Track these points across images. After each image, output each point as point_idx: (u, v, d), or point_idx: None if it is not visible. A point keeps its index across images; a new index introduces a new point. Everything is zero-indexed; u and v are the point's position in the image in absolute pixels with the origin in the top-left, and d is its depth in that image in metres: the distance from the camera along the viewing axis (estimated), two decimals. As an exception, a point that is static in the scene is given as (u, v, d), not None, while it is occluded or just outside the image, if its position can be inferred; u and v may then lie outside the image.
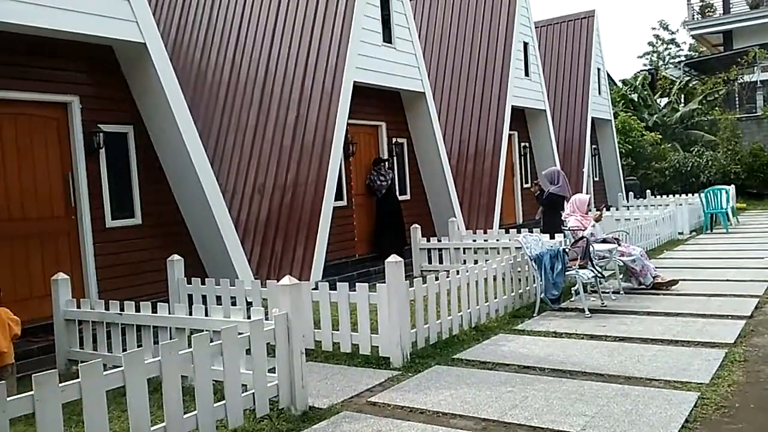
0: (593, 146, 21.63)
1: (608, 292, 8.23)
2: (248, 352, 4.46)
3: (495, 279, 7.38)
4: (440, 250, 10.83)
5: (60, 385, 3.39)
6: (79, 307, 5.92)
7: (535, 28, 17.70)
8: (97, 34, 7.14)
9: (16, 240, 7.04)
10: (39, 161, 7.26)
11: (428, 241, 10.89)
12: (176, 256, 7.09)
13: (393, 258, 5.74)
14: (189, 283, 6.90)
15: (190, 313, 5.28)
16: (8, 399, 3.19)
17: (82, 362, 4.01)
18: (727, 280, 8.93)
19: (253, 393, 4.38)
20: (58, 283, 5.97)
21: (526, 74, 16.47)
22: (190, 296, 6.81)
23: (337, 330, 5.99)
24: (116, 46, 7.71)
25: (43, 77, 7.20)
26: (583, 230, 8.45)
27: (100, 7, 7.08)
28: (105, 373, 3.60)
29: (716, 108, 28.07)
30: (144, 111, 8.08)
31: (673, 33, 46.75)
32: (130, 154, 8.04)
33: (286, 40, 11.10)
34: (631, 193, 21.24)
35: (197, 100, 10.98)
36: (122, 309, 5.59)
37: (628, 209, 16.18)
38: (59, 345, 6.04)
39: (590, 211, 9.10)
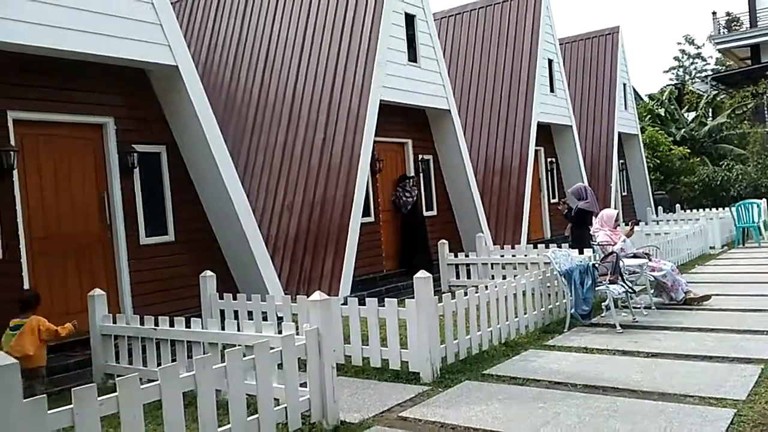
0: (620, 161, 21.46)
1: (640, 308, 8.13)
2: (280, 366, 4.51)
3: (524, 294, 7.36)
4: (468, 265, 10.82)
5: (98, 398, 3.46)
6: (115, 322, 6.04)
7: (560, 45, 17.72)
8: (132, 57, 7.36)
9: (54, 257, 7.22)
10: (76, 181, 7.45)
11: (456, 256, 10.89)
12: (209, 272, 7.21)
13: (421, 273, 5.77)
14: (221, 298, 7.01)
15: (223, 328, 5.36)
16: (48, 412, 3.27)
17: (118, 376, 4.11)
18: (762, 295, 8.77)
19: (286, 407, 4.43)
20: (94, 299, 6.11)
21: (552, 90, 16.46)
22: (222, 311, 6.91)
23: (367, 345, 6.02)
24: (149, 69, 7.92)
25: (79, 100, 7.41)
26: (613, 245, 8.39)
27: (135, 32, 7.30)
28: (141, 387, 3.67)
29: (745, 121, 27.66)
30: (176, 131, 8.27)
31: (699, 47, 46.35)
32: (163, 173, 8.22)
33: (313, 60, 11.28)
34: (660, 208, 20.99)
35: (227, 119, 11.19)
36: (156, 324, 5.69)
37: (658, 224, 16.02)
38: (96, 359, 6.16)
39: (618, 225, 9.04)
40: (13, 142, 6.83)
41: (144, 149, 7.95)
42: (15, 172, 6.83)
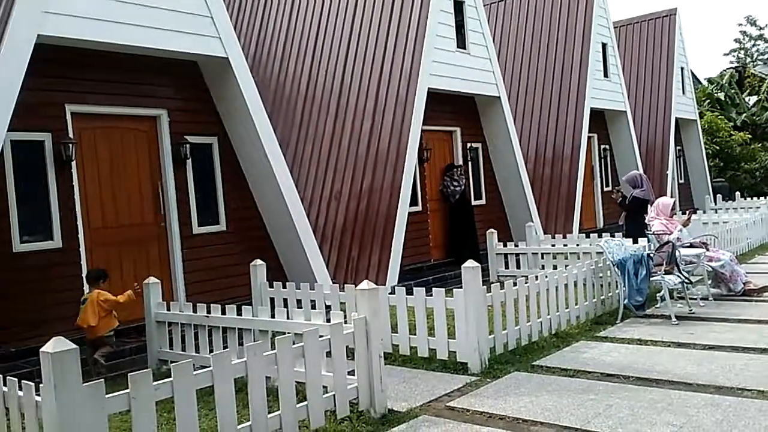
0: (678, 147, 20.83)
1: (696, 299, 7.90)
2: (328, 354, 4.55)
3: (575, 285, 7.23)
4: (517, 255, 10.69)
5: (154, 383, 3.57)
6: (168, 309, 6.20)
7: (615, 28, 17.25)
8: (184, 50, 7.50)
9: (111, 246, 7.46)
10: (131, 172, 7.67)
11: (505, 246, 10.78)
12: (259, 261, 7.32)
13: (470, 263, 5.73)
14: (271, 287, 7.11)
15: (273, 316, 5.44)
16: (106, 396, 3.39)
17: (171, 362, 4.21)
18: (828, 287, 8.40)
19: (334, 395, 4.47)
20: (149, 286, 6.28)
21: (606, 75, 16.06)
22: (272, 299, 7.01)
23: (414, 334, 6.02)
24: (201, 61, 8.06)
25: (134, 92, 7.61)
26: (669, 234, 8.16)
27: (187, 25, 7.44)
28: (195, 372, 3.76)
29: (812, 105, 26.47)
30: (227, 122, 8.41)
31: (761, 29, 44.36)
32: (215, 164, 8.38)
33: (361, 49, 11.28)
34: (719, 196, 20.29)
35: (276, 110, 11.31)
36: (209, 311, 5.81)
37: (716, 212, 15.49)
38: (150, 345, 6.35)
39: (675, 214, 8.78)
40: (71, 135, 7.06)
41: (196, 140, 8.12)
42: (74, 164, 7.06)
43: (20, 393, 3.82)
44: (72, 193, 7.07)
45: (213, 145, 8.36)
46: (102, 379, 3.45)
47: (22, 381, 3.84)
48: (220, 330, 5.78)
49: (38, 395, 3.51)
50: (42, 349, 3.24)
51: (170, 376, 3.64)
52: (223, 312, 5.72)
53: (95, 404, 3.34)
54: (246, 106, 8.09)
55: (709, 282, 8.29)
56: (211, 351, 5.54)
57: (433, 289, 5.96)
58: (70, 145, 6.96)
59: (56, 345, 3.24)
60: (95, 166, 7.39)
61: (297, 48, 12.04)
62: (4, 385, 4.00)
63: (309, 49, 11.89)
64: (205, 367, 3.91)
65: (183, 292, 7.87)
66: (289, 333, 4.65)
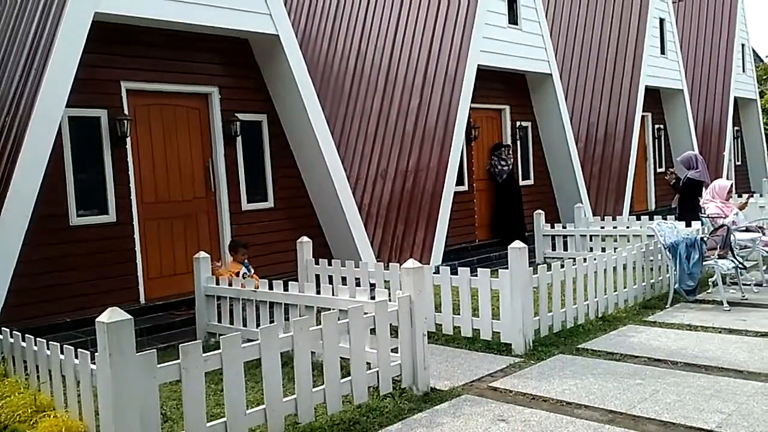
0: (735, 128, 20.08)
1: (750, 285, 7.67)
2: (372, 332, 4.60)
3: (624, 268, 7.10)
4: (565, 236, 10.54)
5: (203, 355, 3.67)
6: (217, 283, 6.35)
7: (673, 2, 16.63)
8: (236, 27, 7.58)
9: (163, 221, 7.65)
10: (183, 148, 7.83)
11: (552, 227, 10.63)
12: (305, 238, 7.42)
13: (516, 244, 5.68)
14: (317, 263, 7.20)
15: (319, 293, 5.52)
16: (158, 366, 3.51)
17: (219, 335, 4.32)
18: None
19: (377, 371, 4.53)
20: (200, 261, 6.43)
21: (662, 52, 15.53)
22: (317, 276, 7.10)
23: (458, 314, 6.02)
24: (251, 39, 8.13)
25: (186, 70, 7.74)
26: (724, 218, 7.92)
27: (238, 2, 7.51)
28: (243, 345, 3.86)
29: None
30: (276, 100, 8.48)
31: (833, 1, 42.14)
32: (264, 141, 8.48)
33: (410, 25, 11.18)
34: (778, 179, 19.53)
35: (324, 88, 11.35)
36: (257, 287, 5.93)
37: (775, 196, 14.91)
38: (199, 319, 6.52)
39: (731, 197, 8.50)
40: (126, 112, 7.23)
41: (246, 118, 8.22)
42: (128, 140, 7.25)
43: (76, 361, 3.99)
44: (126, 169, 7.27)
45: (262, 123, 8.46)
46: (154, 350, 3.57)
47: (78, 350, 4.00)
48: (266, 305, 5.89)
49: (93, 364, 3.65)
50: (98, 319, 3.37)
51: (218, 349, 3.74)
52: (270, 287, 5.83)
53: (148, 373, 3.47)
54: (295, 84, 8.14)
55: (764, 268, 8.03)
56: (257, 325, 5.66)
57: (478, 269, 5.94)
58: (125, 121, 7.13)
59: (112, 315, 3.36)
60: (148, 142, 7.56)
61: (346, 25, 12.01)
62: (61, 353, 4.18)
63: (358, 25, 11.85)
64: (252, 340, 4.00)
65: (231, 267, 8.03)
66: (334, 309, 4.72)
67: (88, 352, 3.87)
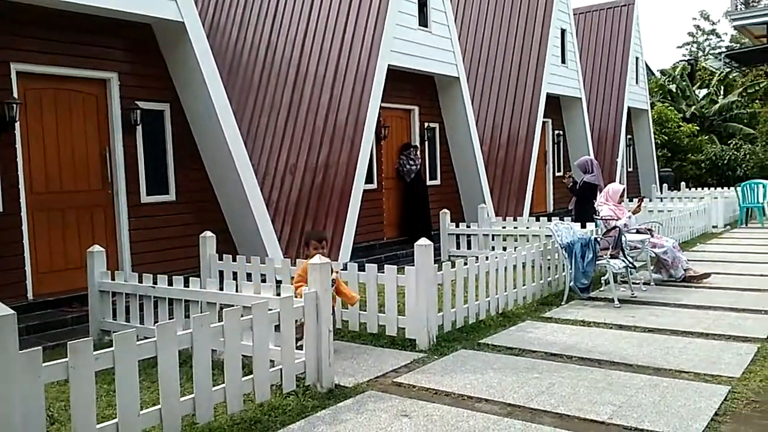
0: (628, 136, 21.29)
1: (639, 283, 8.13)
2: (277, 328, 4.51)
3: (524, 266, 7.35)
4: (469, 236, 10.80)
5: (94, 353, 3.47)
6: (113, 279, 6.04)
7: (574, 15, 17.42)
8: (138, 11, 7.24)
9: (54, 212, 7.21)
10: (78, 136, 7.40)
11: (457, 226, 10.87)
12: (208, 233, 7.19)
13: (422, 241, 5.75)
14: (220, 259, 7.00)
15: (221, 289, 5.36)
16: (44, 365, 3.28)
17: (114, 333, 4.10)
18: (761, 275, 8.75)
19: (281, 369, 4.44)
20: (93, 255, 6.10)
21: (563, 61, 16.24)
22: (221, 272, 6.91)
23: (365, 310, 6.02)
24: (155, 25, 7.81)
25: (84, 54, 7.32)
26: (616, 220, 8.35)
27: (140, -15, 7.17)
28: (138, 343, 3.68)
29: (756, 101, 27.35)
30: (180, 89, 8.18)
31: (714, 23, 45.70)
32: (166, 132, 8.16)
33: (322, 20, 11.10)
34: (665, 185, 20.87)
35: (233, 79, 11.07)
36: (155, 282, 5.69)
37: (662, 201, 15.94)
38: (93, 315, 6.17)
39: (623, 201, 8.98)
40: (16, 95, 6.76)
41: (147, 106, 7.88)
42: (17, 125, 6.77)
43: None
44: (14, 156, 6.79)
45: (165, 112, 8.14)
46: (40, 348, 3.34)
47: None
48: (166, 302, 5.67)
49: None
50: (-24, 315, 3.10)
51: (112, 346, 3.55)
52: (170, 283, 5.61)
53: (32, 372, 3.23)
54: (201, 73, 7.88)
55: (652, 267, 8.54)
56: (156, 323, 5.41)
57: (385, 266, 5.97)
58: (15, 105, 6.66)
59: (-10, 310, 3.11)
60: (40, 129, 7.10)
61: (256, 14, 11.76)
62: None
63: (269, 16, 11.63)
64: (149, 338, 3.83)
65: (129, 263, 7.69)
66: (237, 306, 4.59)
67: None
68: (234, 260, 6.93)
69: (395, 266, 5.95)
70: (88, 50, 7.36)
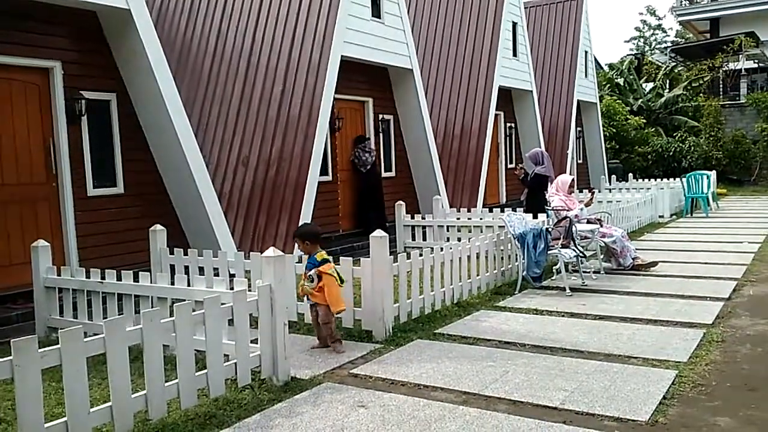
0: (578, 129, 21.70)
1: (589, 272, 8.31)
2: (231, 323, 4.44)
3: (478, 256, 7.42)
4: (424, 227, 10.85)
5: (39, 350, 3.35)
6: (59, 274, 5.85)
7: (525, 8, 17.63)
8: (80, -2, 7.00)
9: (-5, 206, 6.94)
10: (19, 127, 7.13)
11: (412, 218, 10.90)
12: (158, 226, 7.03)
13: (378, 233, 5.74)
14: (171, 253, 6.85)
15: (173, 283, 5.25)
16: (-14, 363, 3.16)
17: (61, 330, 3.97)
18: (706, 263, 9.05)
19: (235, 363, 4.38)
20: (38, 250, 5.89)
21: (515, 55, 16.43)
22: (172, 267, 6.76)
23: (320, 303, 5.97)
24: (100, 12, 7.57)
25: (24, 41, 7.05)
26: (566, 210, 8.50)
27: (84, -30, 6.93)
28: (86, 339, 3.57)
29: (700, 94, 28.24)
30: (127, 79, 7.96)
31: (660, 19, 47.02)
32: (113, 122, 7.94)
33: (273, 9, 10.94)
34: (613, 176, 21.35)
35: (182, 69, 10.82)
36: (103, 277, 5.54)
37: (611, 192, 16.31)
38: (39, 312, 5.98)
39: (573, 191, 9.15)
40: (-50, 84, 6.47)
41: (93, 96, 7.64)
42: (-47, 115, 6.49)
43: None
44: (-50, 147, 6.51)
45: (111, 102, 7.91)
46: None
47: None
48: (115, 297, 5.52)
49: None
50: None
51: (59, 344, 3.44)
52: (119, 278, 5.47)
53: (-28, 372, 3.11)
54: (148, 62, 7.68)
55: (602, 257, 8.73)
56: (105, 319, 5.27)
57: (341, 258, 5.94)
58: (-51, 94, 6.38)
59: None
60: (-22, 119, 6.82)
61: (206, 3, 11.52)
62: None
63: (219, 5, 11.39)
64: (98, 335, 3.72)
65: (76, 257, 7.46)
66: (189, 300, 4.50)
67: None
68: (185, 254, 6.79)
69: (351, 258, 5.93)
70: (30, 38, 7.09)
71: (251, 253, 6.29)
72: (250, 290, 4.64)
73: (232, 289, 4.75)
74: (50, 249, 6.02)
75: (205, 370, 4.17)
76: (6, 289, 6.76)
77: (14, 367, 3.24)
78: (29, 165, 7.21)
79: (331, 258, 5.45)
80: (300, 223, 9.45)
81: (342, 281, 5.43)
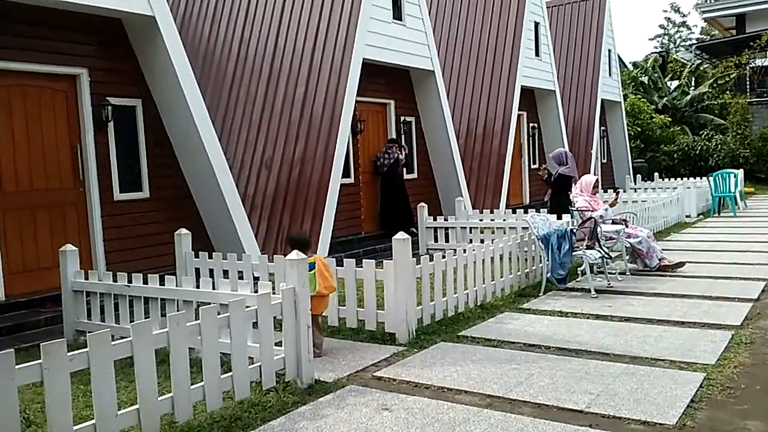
0: (602, 128, 21.50)
1: (614, 273, 8.21)
2: (255, 325, 4.48)
3: (501, 258, 7.38)
4: (447, 229, 10.82)
5: (68, 354, 3.41)
6: (86, 278, 5.94)
7: (547, 8, 17.52)
8: (108, 6, 7.10)
9: (25, 211, 7.07)
10: (48, 133, 7.26)
11: (435, 219, 10.88)
12: (184, 230, 7.11)
13: (400, 235, 5.74)
14: (196, 256, 6.92)
15: (198, 287, 5.30)
16: (17, 367, 3.21)
17: (89, 333, 4.04)
18: (734, 263, 8.90)
19: (260, 366, 4.41)
20: (66, 254, 5.99)
21: (537, 54, 16.33)
22: (197, 270, 6.83)
23: (344, 305, 6.00)
24: (125, 19, 7.67)
25: (52, 49, 7.18)
26: (591, 211, 8.42)
27: (109, -22, 7.04)
28: (113, 343, 3.62)
29: (727, 92, 27.80)
30: (153, 84, 8.06)
31: (684, 16, 46.39)
32: (139, 128, 8.04)
33: (295, 13, 11.02)
34: (638, 176, 21.12)
35: (206, 73, 10.94)
36: (130, 281, 5.61)
37: (636, 191, 16.12)
38: (67, 316, 6.07)
39: (597, 192, 9.07)
40: (-19, 92, 6.61)
41: (119, 102, 7.76)
42: (-16, 123, 6.62)
43: None
44: (-19, 154, 6.64)
45: (137, 108, 8.01)
46: (12, 350, 3.27)
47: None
48: (141, 301, 5.59)
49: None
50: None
51: (87, 347, 3.49)
52: (145, 282, 5.53)
53: (5, 375, 3.16)
54: (172, 67, 7.77)
55: (627, 257, 8.63)
56: (132, 322, 5.35)
57: (364, 260, 5.95)
58: (-20, 102, 6.51)
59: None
60: (8, 127, 6.95)
61: (229, 8, 11.64)
62: None
63: (242, 10, 11.52)
64: (125, 338, 3.77)
65: (103, 261, 7.57)
66: (214, 303, 4.54)
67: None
68: (210, 257, 6.85)
69: (374, 260, 5.94)
70: (57, 46, 7.21)
71: (275, 256, 6.33)
72: (274, 293, 4.67)
73: (256, 292, 4.79)
74: (78, 253, 6.11)
75: (230, 373, 4.21)
76: (34, 293, 6.89)
77: (43, 370, 3.30)
78: (57, 170, 7.34)
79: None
80: (309, 225, 9.50)
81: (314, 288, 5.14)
